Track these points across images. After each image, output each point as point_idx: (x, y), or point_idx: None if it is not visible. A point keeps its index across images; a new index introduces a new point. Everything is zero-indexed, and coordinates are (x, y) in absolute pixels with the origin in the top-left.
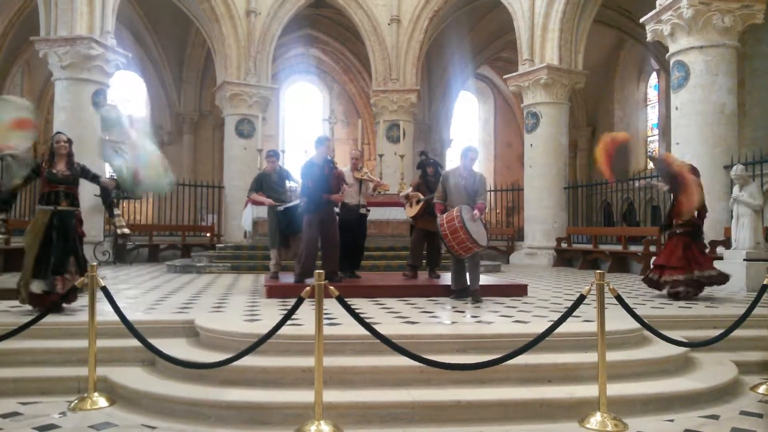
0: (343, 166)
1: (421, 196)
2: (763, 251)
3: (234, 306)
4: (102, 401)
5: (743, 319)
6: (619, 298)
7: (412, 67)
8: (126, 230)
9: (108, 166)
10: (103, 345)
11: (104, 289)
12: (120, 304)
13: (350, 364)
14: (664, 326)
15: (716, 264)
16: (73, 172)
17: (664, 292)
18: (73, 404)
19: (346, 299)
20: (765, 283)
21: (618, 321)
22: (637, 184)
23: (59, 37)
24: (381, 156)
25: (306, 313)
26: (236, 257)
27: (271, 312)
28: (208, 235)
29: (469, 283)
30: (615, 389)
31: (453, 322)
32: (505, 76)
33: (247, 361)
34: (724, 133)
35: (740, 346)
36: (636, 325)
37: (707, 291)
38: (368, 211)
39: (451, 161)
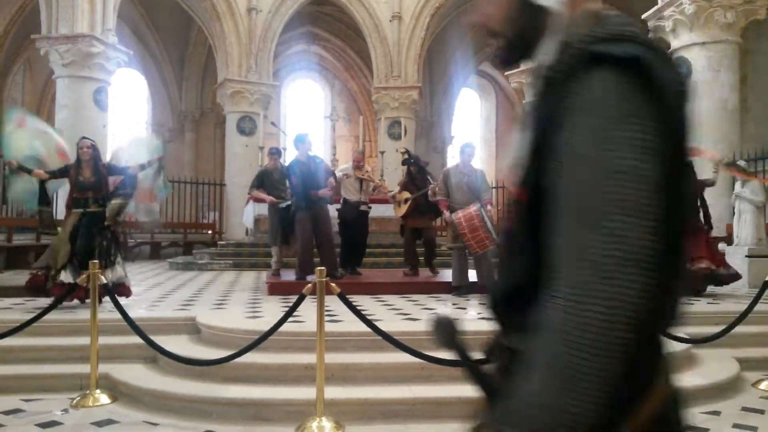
0: (344, 163)
1: (409, 195)
2: (766, 248)
3: (235, 303)
4: (104, 398)
5: (745, 316)
6: None
7: (414, 63)
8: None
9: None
10: (105, 342)
11: (106, 287)
12: (122, 302)
13: (352, 360)
14: None
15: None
16: (98, 177)
17: None
18: (75, 401)
19: (347, 296)
20: (767, 279)
21: None
22: None
23: (60, 34)
24: (382, 153)
25: (307, 310)
26: (238, 254)
27: (272, 309)
28: (209, 232)
29: (478, 279)
30: None
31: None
32: (506, 73)
33: (249, 357)
34: (727, 129)
35: (742, 343)
36: None
37: (709, 289)
38: (369, 208)
39: (453, 158)
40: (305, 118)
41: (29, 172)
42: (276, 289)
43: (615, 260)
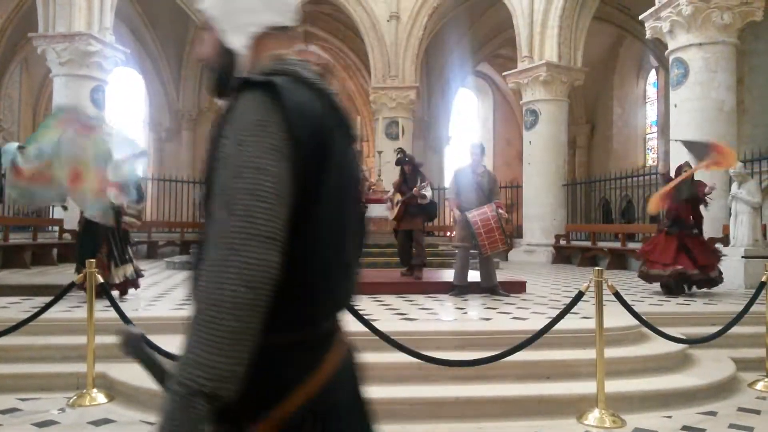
0: None
1: (400, 197)
2: (762, 248)
3: None
4: (101, 397)
5: (741, 316)
6: (618, 295)
7: (411, 64)
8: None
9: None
10: (102, 341)
11: (103, 286)
12: (120, 299)
13: None
14: (662, 323)
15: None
16: None
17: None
18: (72, 400)
19: None
20: (763, 280)
21: (616, 318)
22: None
23: (57, 33)
24: (380, 153)
25: None
26: None
27: None
28: None
29: (482, 280)
30: (613, 386)
31: (451, 319)
32: (504, 73)
33: None
34: (723, 131)
35: (738, 343)
36: (634, 321)
37: (705, 290)
38: (366, 208)
39: (451, 158)
40: None
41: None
42: None
43: (244, 236)
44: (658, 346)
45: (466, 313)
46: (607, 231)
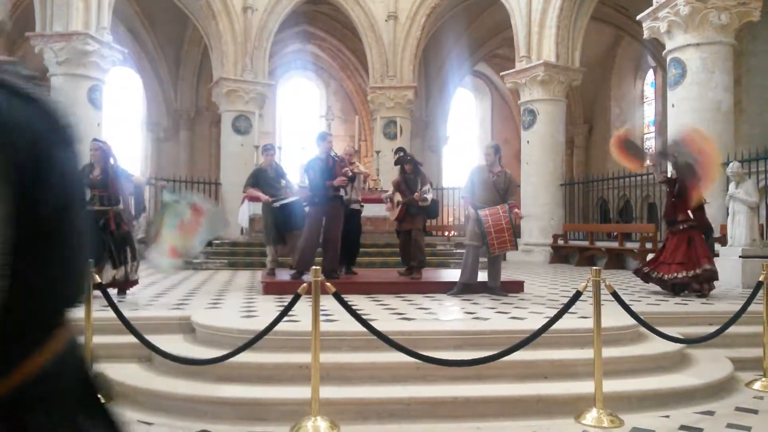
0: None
1: (401, 198)
2: (759, 248)
3: (230, 302)
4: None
5: (738, 316)
6: (615, 295)
7: (409, 63)
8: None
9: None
10: (100, 341)
11: (100, 286)
12: (120, 299)
13: (347, 360)
14: (660, 323)
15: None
16: (104, 176)
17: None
18: None
19: (342, 295)
20: (760, 279)
21: (614, 317)
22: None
23: (55, 32)
24: (378, 152)
25: (303, 309)
26: (233, 254)
27: (267, 308)
28: None
29: (488, 280)
30: (611, 385)
31: (449, 319)
32: (502, 73)
33: (244, 357)
34: (721, 131)
35: (736, 343)
36: (632, 321)
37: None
38: (362, 206)
39: (446, 158)
40: (301, 117)
41: None
42: (271, 288)
43: None
44: (655, 346)
45: (464, 312)
46: (604, 231)
